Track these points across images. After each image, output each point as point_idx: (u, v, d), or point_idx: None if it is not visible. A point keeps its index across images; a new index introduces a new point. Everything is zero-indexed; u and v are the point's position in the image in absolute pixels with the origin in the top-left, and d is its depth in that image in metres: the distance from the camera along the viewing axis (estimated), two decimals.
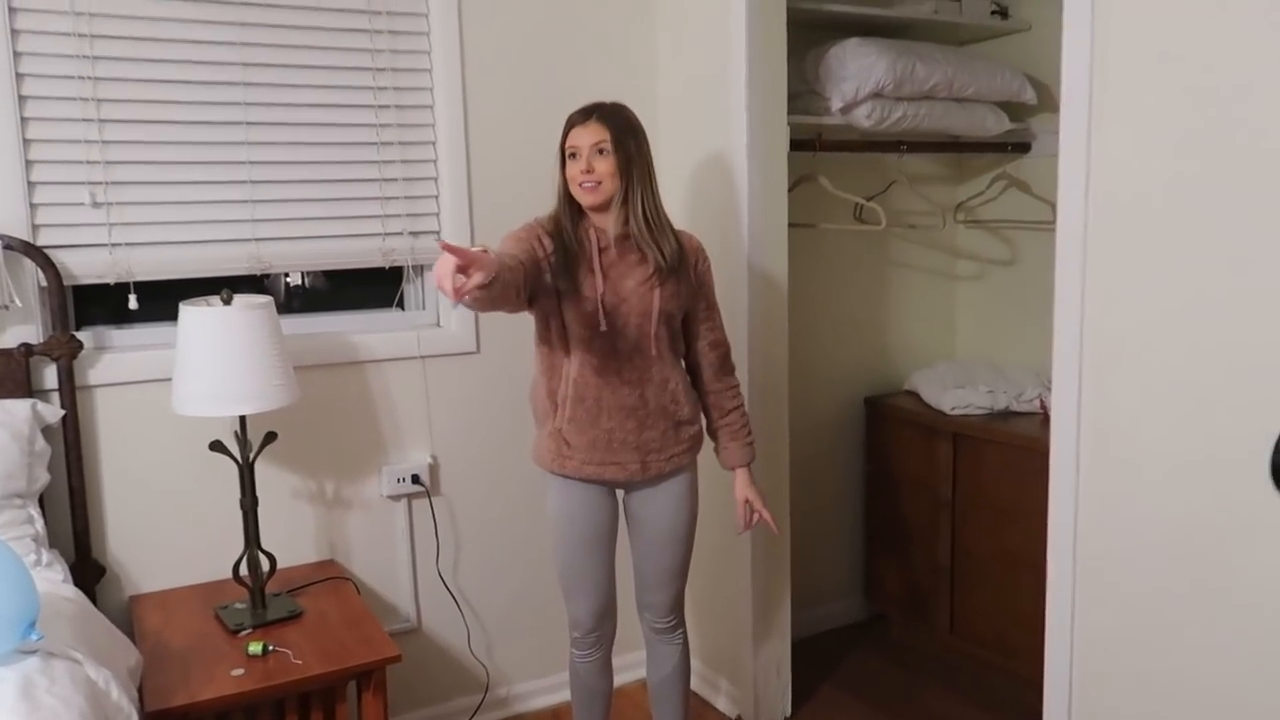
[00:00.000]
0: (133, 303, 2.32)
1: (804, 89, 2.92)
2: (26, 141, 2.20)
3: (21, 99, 2.18)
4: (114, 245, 2.30)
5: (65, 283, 2.25)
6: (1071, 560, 1.92)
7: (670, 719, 2.37)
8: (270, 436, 2.26)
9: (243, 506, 2.24)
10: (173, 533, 2.41)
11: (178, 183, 2.36)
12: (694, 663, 2.87)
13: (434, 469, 2.71)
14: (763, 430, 2.59)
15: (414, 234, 2.63)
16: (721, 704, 2.92)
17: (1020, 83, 3.03)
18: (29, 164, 2.20)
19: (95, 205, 2.28)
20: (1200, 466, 1.70)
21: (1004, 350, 3.39)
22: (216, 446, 2.19)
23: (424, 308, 2.75)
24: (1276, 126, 1.54)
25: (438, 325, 2.74)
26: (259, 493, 2.27)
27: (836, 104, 2.83)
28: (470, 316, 2.69)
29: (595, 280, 2.06)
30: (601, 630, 2.26)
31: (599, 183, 2.03)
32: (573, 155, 2.06)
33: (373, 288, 2.71)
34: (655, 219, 2.08)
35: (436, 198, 2.66)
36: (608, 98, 2.13)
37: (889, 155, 3.14)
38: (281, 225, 2.48)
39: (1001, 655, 2.95)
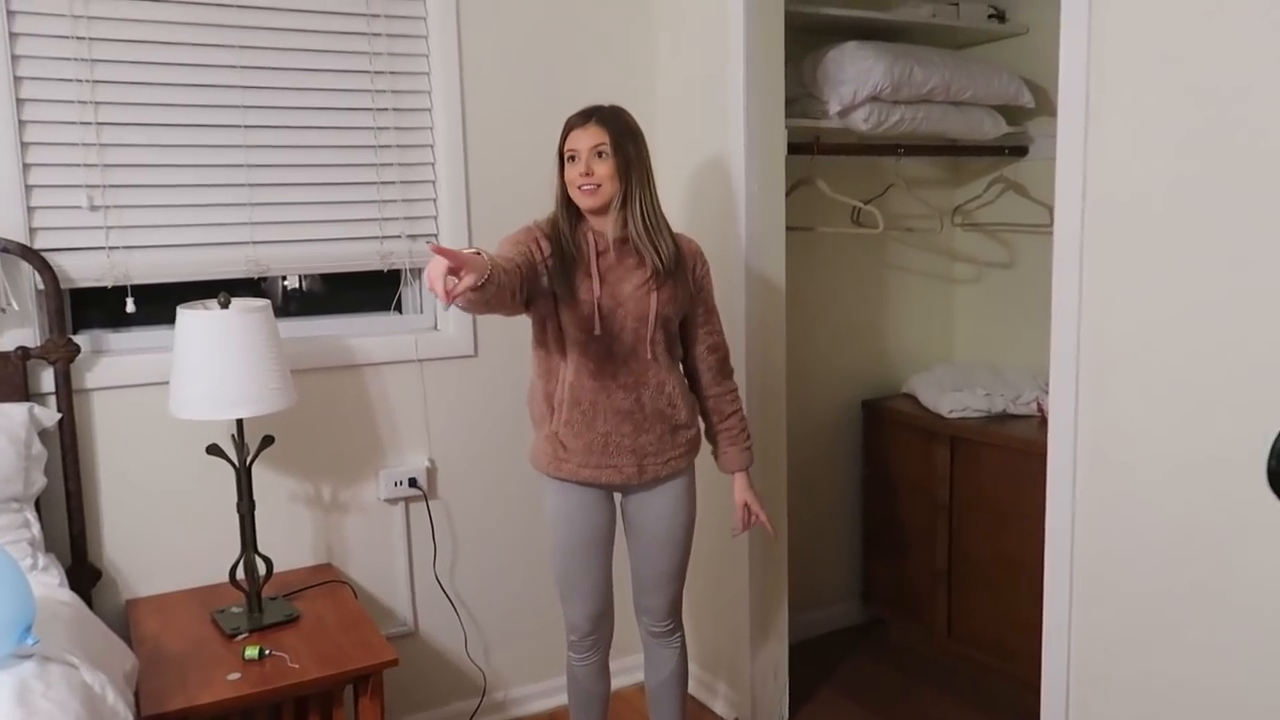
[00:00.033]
0: (130, 306, 2.31)
1: (802, 92, 2.92)
2: (24, 144, 2.19)
3: (19, 102, 2.18)
4: (111, 248, 2.30)
5: (62, 286, 2.24)
6: (1069, 563, 1.92)
7: None
8: (267, 440, 2.25)
9: (239, 510, 2.24)
10: (169, 536, 2.41)
11: (175, 185, 2.36)
12: (692, 666, 2.86)
13: (431, 472, 2.71)
14: (760, 433, 2.59)
15: (412, 237, 2.63)
16: (719, 707, 2.92)
17: (1017, 86, 3.04)
18: (26, 167, 2.20)
19: (93, 208, 2.27)
20: (1198, 468, 1.70)
21: (1001, 353, 3.39)
22: (214, 450, 2.19)
23: (422, 311, 2.75)
24: (1274, 127, 1.54)
25: (435, 329, 2.73)
26: (256, 496, 2.27)
27: (834, 107, 2.84)
28: (468, 320, 2.69)
29: (592, 284, 2.06)
30: (598, 633, 2.26)
31: (598, 185, 2.03)
32: (571, 158, 2.06)
33: (370, 291, 2.70)
34: (654, 222, 2.08)
35: (434, 200, 2.66)
36: (606, 101, 2.13)
37: (887, 158, 3.15)
38: (279, 228, 2.48)
39: (999, 658, 2.95)
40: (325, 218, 2.53)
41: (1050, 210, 2.39)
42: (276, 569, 2.32)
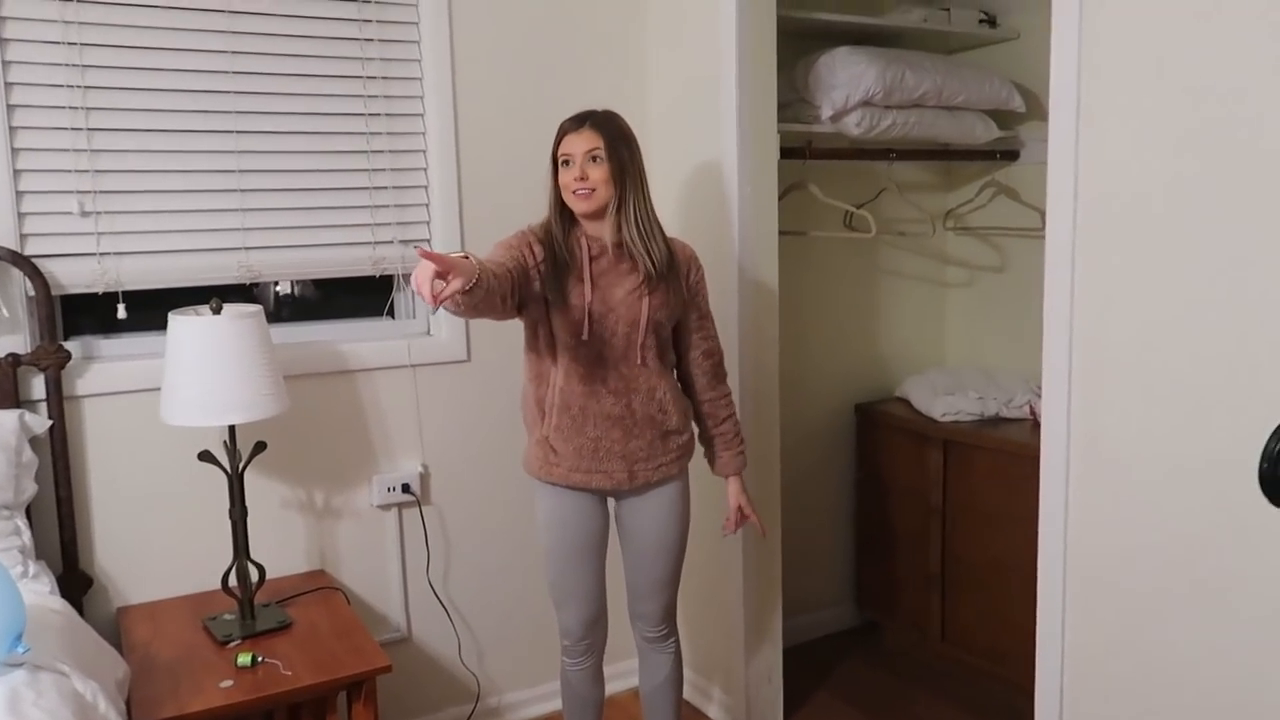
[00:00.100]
0: (121, 312, 2.30)
1: (794, 97, 2.93)
2: (14, 150, 2.19)
3: (10, 108, 2.17)
4: (102, 254, 2.29)
5: (53, 292, 2.24)
6: (1062, 566, 1.93)
7: None
8: (260, 446, 2.25)
9: (232, 517, 2.23)
10: (161, 543, 2.40)
11: (166, 191, 2.35)
12: (686, 671, 2.85)
13: (424, 478, 2.70)
14: (754, 437, 2.59)
15: (404, 243, 2.63)
16: (714, 712, 2.92)
17: (1009, 90, 3.05)
18: (17, 173, 2.19)
19: (83, 214, 2.27)
20: (1192, 471, 1.70)
21: (993, 356, 3.40)
22: (205, 456, 2.18)
23: (414, 316, 2.74)
24: (1267, 129, 1.55)
25: (428, 334, 2.73)
26: (248, 503, 2.26)
27: (826, 112, 2.85)
28: (461, 325, 2.69)
29: (584, 288, 2.06)
30: (592, 639, 2.25)
31: (593, 190, 2.03)
32: (565, 162, 2.06)
33: (363, 296, 2.70)
34: (647, 226, 2.08)
35: (427, 206, 2.66)
36: (599, 106, 2.14)
37: (879, 163, 3.16)
38: (271, 234, 2.47)
39: (992, 662, 2.95)
40: (317, 223, 2.53)
41: (1041, 214, 2.40)
42: (269, 575, 2.31)
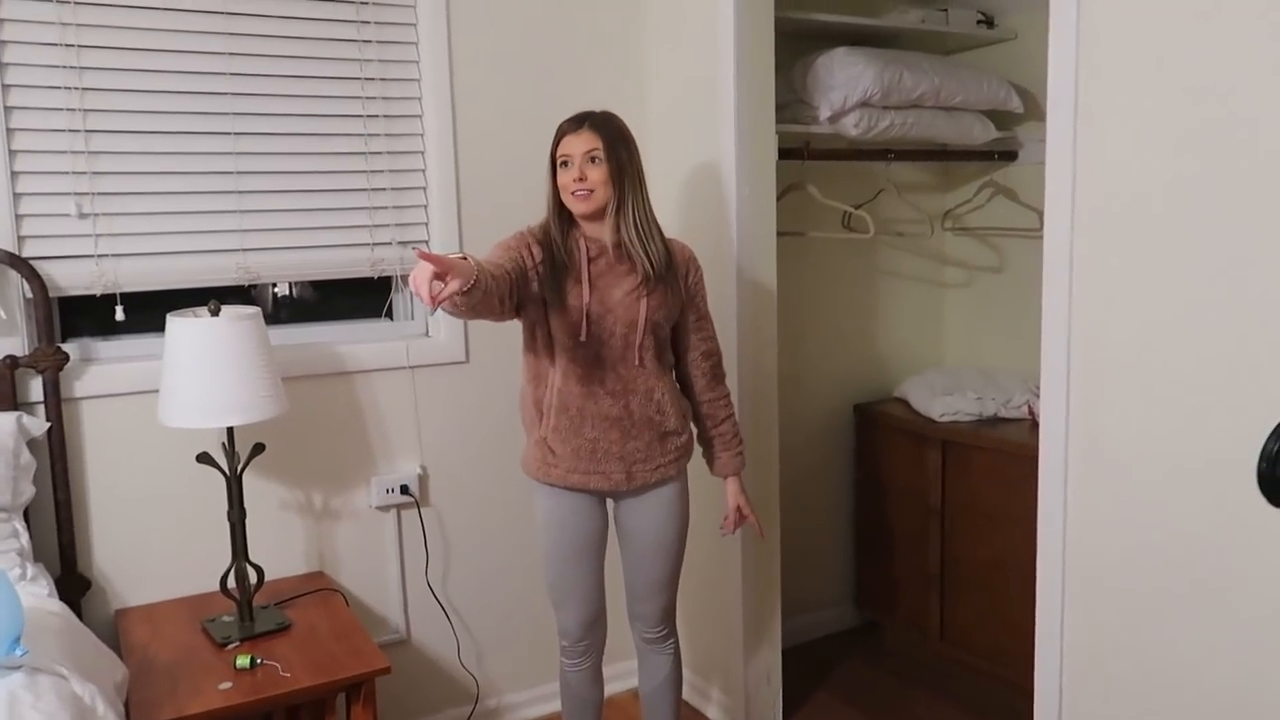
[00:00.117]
0: (119, 314, 2.30)
1: (792, 98, 2.93)
2: (12, 152, 2.18)
3: (7, 110, 2.17)
4: (100, 256, 2.29)
5: (51, 294, 2.23)
6: (1061, 566, 1.93)
7: None
8: (258, 448, 2.24)
9: (230, 518, 2.23)
10: (160, 545, 2.39)
11: (164, 193, 2.35)
12: (685, 671, 2.85)
13: (423, 479, 2.70)
14: (752, 438, 2.59)
15: (403, 244, 2.63)
16: (713, 712, 2.92)
17: (1006, 91, 3.05)
18: (14, 175, 2.19)
19: (81, 216, 2.26)
20: (1191, 470, 1.70)
21: (992, 356, 3.40)
22: (204, 458, 2.18)
23: (413, 318, 2.74)
24: (1266, 129, 1.55)
25: (427, 335, 2.73)
26: (247, 504, 2.26)
27: (825, 113, 2.85)
28: (459, 326, 2.69)
29: (582, 290, 2.06)
30: (591, 639, 2.25)
31: (591, 191, 2.03)
32: (564, 163, 2.06)
33: (361, 298, 2.70)
34: (646, 227, 2.08)
35: (425, 207, 2.66)
36: (597, 107, 2.14)
37: (877, 163, 3.16)
38: (269, 235, 2.47)
39: (991, 662, 2.96)
40: (315, 224, 2.53)
41: (1039, 214, 2.41)
42: (268, 577, 2.31)
